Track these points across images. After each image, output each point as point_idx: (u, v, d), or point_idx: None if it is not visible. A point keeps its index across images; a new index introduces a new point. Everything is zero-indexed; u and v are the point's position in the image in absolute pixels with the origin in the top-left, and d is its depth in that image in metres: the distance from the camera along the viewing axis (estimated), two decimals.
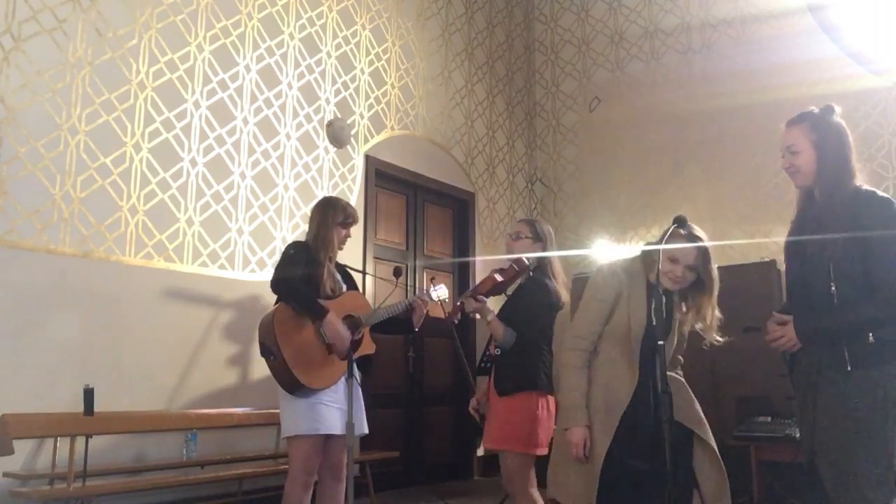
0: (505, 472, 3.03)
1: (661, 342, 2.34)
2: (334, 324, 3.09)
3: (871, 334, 2.14)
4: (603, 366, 2.52)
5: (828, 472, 2.17)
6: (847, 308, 2.18)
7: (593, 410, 2.48)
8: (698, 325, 2.56)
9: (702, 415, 2.54)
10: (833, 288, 2.19)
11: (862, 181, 2.30)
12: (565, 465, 2.53)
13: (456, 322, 3.29)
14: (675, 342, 2.60)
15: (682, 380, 2.63)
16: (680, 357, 2.70)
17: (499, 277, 3.11)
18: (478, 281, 6.48)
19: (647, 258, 2.56)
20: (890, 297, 2.14)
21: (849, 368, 2.15)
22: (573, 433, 2.46)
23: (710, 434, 2.51)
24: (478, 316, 3.19)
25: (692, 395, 2.59)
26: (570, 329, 2.63)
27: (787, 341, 2.27)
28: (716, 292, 2.51)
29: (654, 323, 2.39)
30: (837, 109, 2.36)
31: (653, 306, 2.39)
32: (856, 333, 2.17)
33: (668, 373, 2.40)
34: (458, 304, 3.17)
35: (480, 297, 3.12)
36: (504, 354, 3.09)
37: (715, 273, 2.50)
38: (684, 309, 2.58)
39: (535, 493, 2.99)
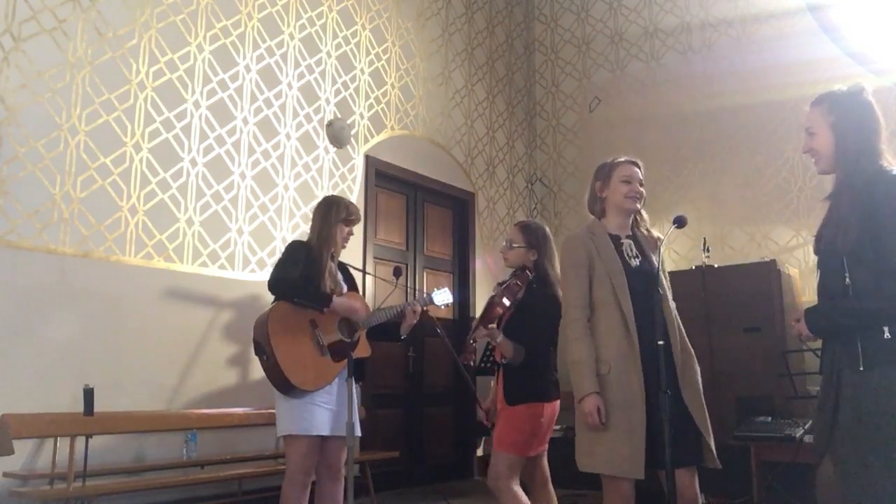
0: (493, 469, 3.04)
1: (660, 342, 2.34)
2: (343, 301, 3.14)
3: (886, 329, 1.97)
4: (602, 330, 2.57)
5: (842, 481, 2.05)
6: (860, 298, 2.02)
7: (606, 376, 2.52)
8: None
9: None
10: (847, 280, 2.04)
11: (892, 162, 2.11)
12: (597, 436, 2.50)
13: (472, 365, 3.28)
14: (668, 285, 2.70)
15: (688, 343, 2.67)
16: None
17: (506, 302, 3.10)
18: (478, 279, 6.54)
19: (598, 204, 2.78)
20: None
21: (861, 368, 2.00)
22: (584, 403, 2.48)
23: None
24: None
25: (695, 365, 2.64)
26: (563, 306, 2.70)
27: (805, 337, 2.15)
28: None
29: (654, 322, 2.41)
30: (868, 88, 2.19)
31: (652, 307, 2.45)
32: (868, 326, 2.00)
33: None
34: (471, 342, 3.15)
35: (490, 326, 3.11)
36: (512, 365, 3.09)
37: None
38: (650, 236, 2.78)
39: (519, 490, 3.02)
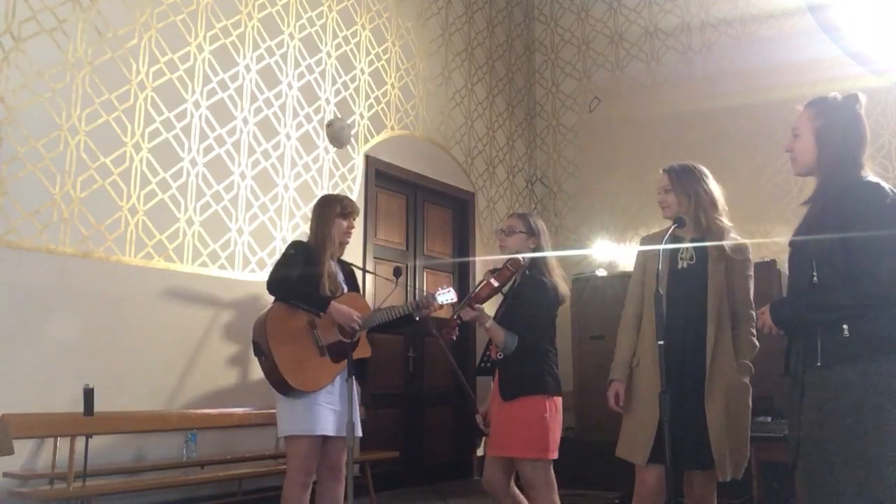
0: (523, 480, 2.95)
1: (660, 342, 2.36)
2: (339, 308, 3.08)
3: (845, 327, 2.01)
4: (643, 327, 2.81)
5: (807, 481, 2.05)
6: (822, 293, 2.08)
7: (636, 369, 2.79)
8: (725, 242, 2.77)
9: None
10: (815, 278, 2.09)
11: (871, 174, 2.16)
12: (625, 425, 2.79)
13: (454, 339, 3.21)
14: (719, 295, 2.70)
15: (740, 380, 2.70)
16: (750, 311, 2.76)
17: (495, 283, 3.04)
18: (478, 279, 6.53)
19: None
20: (869, 287, 1.99)
21: (818, 364, 2.04)
22: (609, 387, 2.82)
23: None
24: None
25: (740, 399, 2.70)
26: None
27: (769, 328, 2.19)
28: (707, 200, 2.78)
29: (656, 322, 2.45)
30: (862, 99, 2.20)
31: (654, 306, 2.52)
32: (830, 322, 2.04)
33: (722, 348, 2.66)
34: (454, 318, 3.08)
35: (477, 305, 3.05)
36: (507, 358, 3.01)
37: (706, 185, 2.82)
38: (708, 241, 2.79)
39: (557, 500, 2.94)
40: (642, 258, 2.90)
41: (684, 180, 2.82)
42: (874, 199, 2.07)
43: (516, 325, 3.02)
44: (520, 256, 3.07)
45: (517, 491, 3.09)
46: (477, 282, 3.24)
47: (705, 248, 2.72)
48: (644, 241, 2.96)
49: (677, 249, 2.74)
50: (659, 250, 2.64)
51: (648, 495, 2.65)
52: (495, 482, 3.04)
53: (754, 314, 2.73)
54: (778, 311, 2.16)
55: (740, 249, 2.79)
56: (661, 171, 2.91)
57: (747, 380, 2.72)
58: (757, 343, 2.76)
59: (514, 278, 3.12)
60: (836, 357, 2.02)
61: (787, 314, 2.15)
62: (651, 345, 2.67)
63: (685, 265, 2.74)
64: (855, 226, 2.03)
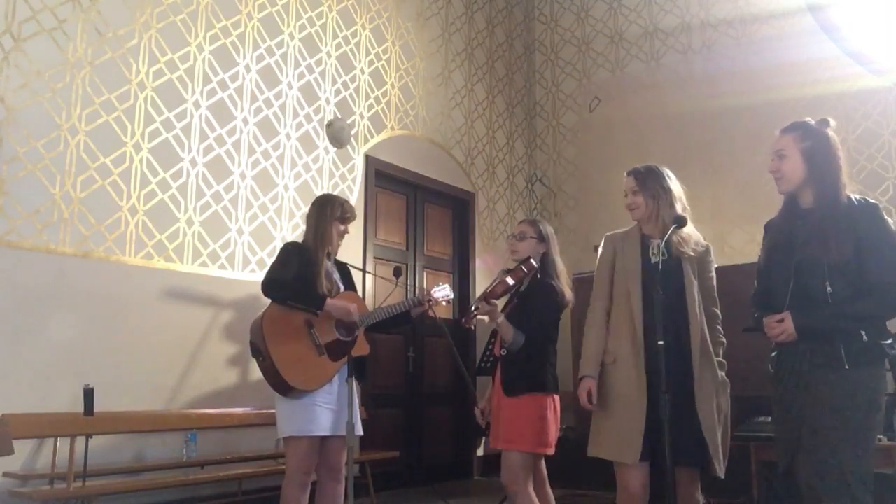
0: (507, 470, 3.01)
1: (660, 342, 2.37)
2: (336, 304, 3.12)
3: (863, 333, 2.23)
4: (614, 323, 2.76)
5: (815, 470, 2.22)
6: (847, 303, 2.25)
7: (611, 367, 2.73)
8: (692, 246, 2.76)
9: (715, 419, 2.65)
10: (829, 288, 2.26)
11: (851, 191, 2.39)
12: (601, 424, 2.72)
13: (472, 328, 3.28)
14: (697, 293, 2.71)
15: (717, 374, 2.71)
16: (716, 310, 2.82)
17: (510, 281, 3.12)
18: (478, 279, 6.54)
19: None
20: (888, 296, 2.24)
21: (846, 367, 2.22)
22: (581, 384, 2.74)
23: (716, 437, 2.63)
24: (486, 319, 3.18)
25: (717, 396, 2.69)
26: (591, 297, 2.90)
27: (788, 336, 2.31)
28: (670, 196, 2.78)
29: (655, 321, 2.46)
30: (832, 123, 2.43)
31: (653, 303, 2.54)
32: (853, 330, 2.24)
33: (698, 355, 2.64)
34: (474, 309, 3.15)
35: (493, 301, 3.12)
36: (510, 355, 3.09)
37: (667, 184, 2.83)
38: (681, 243, 2.76)
39: (532, 494, 3.00)
40: (609, 255, 2.87)
41: (649, 181, 2.85)
42: (882, 217, 2.31)
43: (524, 324, 3.10)
44: (532, 261, 3.15)
45: (547, 490, 3.21)
46: (491, 280, 3.29)
47: (678, 245, 2.73)
48: (604, 240, 2.96)
49: (647, 245, 2.74)
50: (627, 246, 2.75)
51: (631, 498, 2.64)
52: (535, 478, 3.14)
53: (719, 313, 2.83)
54: (806, 321, 2.29)
55: (706, 250, 2.85)
56: (625, 174, 2.91)
57: (724, 375, 2.77)
58: (724, 340, 2.83)
59: (525, 280, 3.19)
60: (861, 360, 2.23)
61: (817, 325, 2.29)
62: (628, 342, 2.68)
63: (657, 260, 2.71)
64: (871, 241, 2.26)
